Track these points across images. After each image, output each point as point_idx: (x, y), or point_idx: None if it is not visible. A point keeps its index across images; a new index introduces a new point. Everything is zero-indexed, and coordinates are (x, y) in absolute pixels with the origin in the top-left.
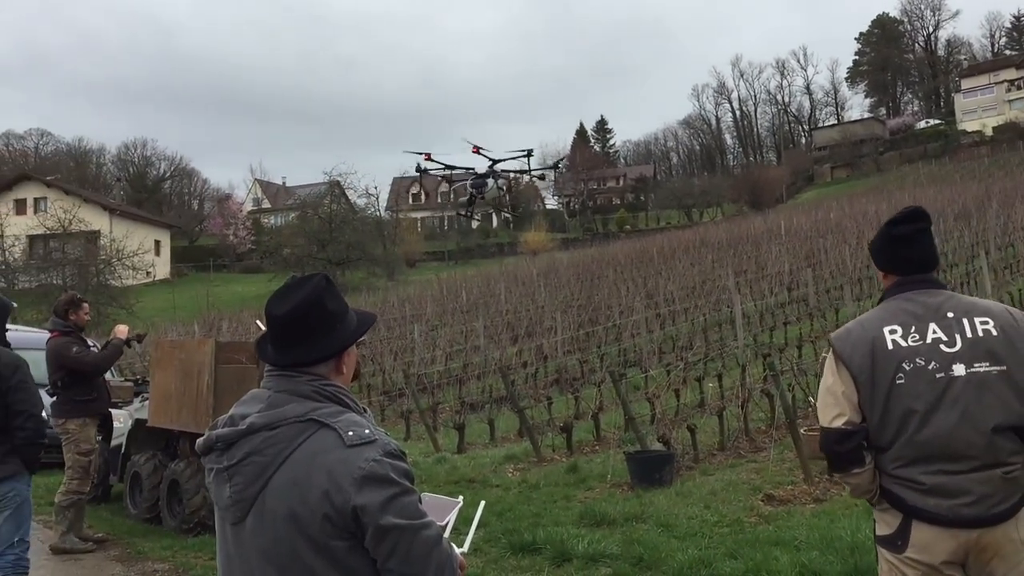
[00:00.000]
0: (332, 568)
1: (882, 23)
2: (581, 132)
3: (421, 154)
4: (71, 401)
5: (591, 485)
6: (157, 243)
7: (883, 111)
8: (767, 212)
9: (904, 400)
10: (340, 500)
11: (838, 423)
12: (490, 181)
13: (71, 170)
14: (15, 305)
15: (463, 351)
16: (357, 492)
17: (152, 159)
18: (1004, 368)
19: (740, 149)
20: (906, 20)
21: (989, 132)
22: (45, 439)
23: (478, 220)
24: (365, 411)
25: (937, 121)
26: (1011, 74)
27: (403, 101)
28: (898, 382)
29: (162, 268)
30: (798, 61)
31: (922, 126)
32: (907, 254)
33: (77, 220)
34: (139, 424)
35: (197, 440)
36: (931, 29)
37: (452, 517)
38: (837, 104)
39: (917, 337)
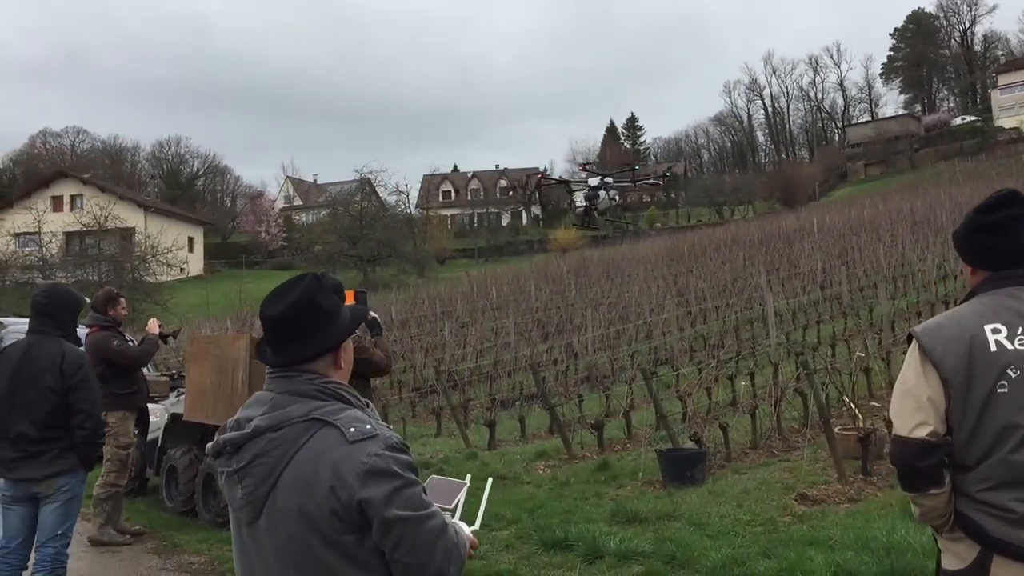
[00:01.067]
0: (344, 561)
1: (917, 18)
2: (611, 130)
3: (536, 175)
4: (111, 395)
5: (622, 483)
6: (191, 240)
7: (918, 108)
8: (799, 210)
9: (1005, 412)
10: (346, 495)
11: (921, 433)
12: (602, 193)
13: (106, 168)
14: (87, 300)
15: (493, 348)
16: (361, 486)
17: (186, 157)
18: None
19: (772, 146)
20: (942, 15)
21: None
22: (103, 439)
23: (596, 230)
24: (368, 405)
25: (974, 118)
26: None
27: (435, 100)
28: (999, 391)
29: (195, 265)
30: (831, 57)
31: (958, 123)
32: (998, 244)
33: (112, 217)
34: (175, 418)
35: (207, 444)
36: (967, 24)
37: (461, 498)
38: (871, 101)
39: None
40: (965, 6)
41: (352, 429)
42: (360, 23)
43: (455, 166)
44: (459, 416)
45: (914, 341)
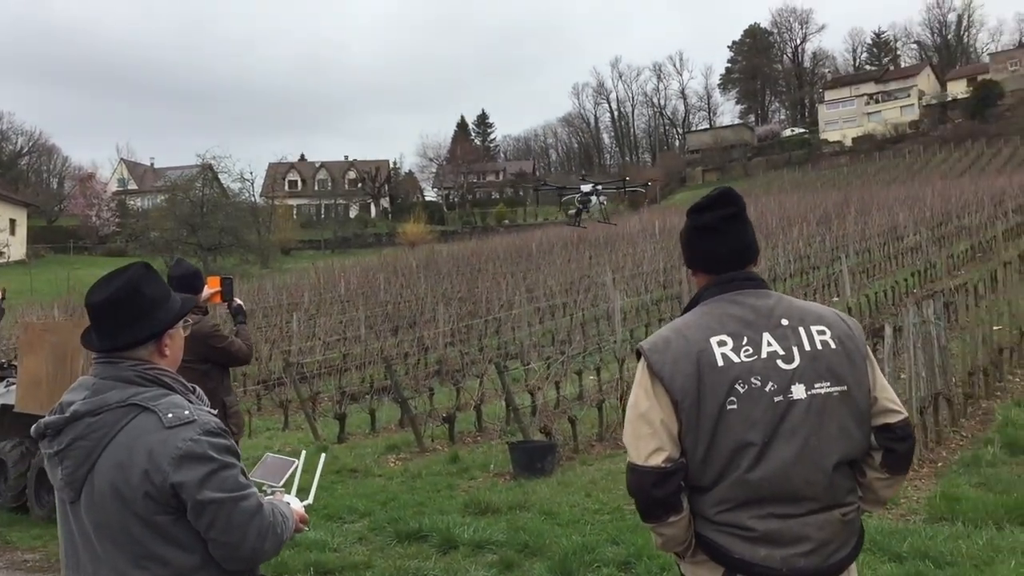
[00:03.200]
0: (159, 539)
1: (753, 33)
2: (462, 125)
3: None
4: None
5: (474, 475)
6: (12, 222)
7: (752, 118)
8: (642, 211)
9: (737, 430)
10: (159, 479)
11: (656, 460)
12: (594, 198)
13: None
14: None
15: (342, 341)
16: (175, 470)
17: (8, 133)
18: (845, 388)
19: (617, 149)
20: (776, 31)
21: (849, 143)
22: None
23: (585, 228)
24: (194, 391)
25: (802, 130)
26: (870, 88)
27: (286, 86)
28: (729, 408)
29: (17, 249)
30: (674, 66)
31: (788, 134)
32: (716, 247)
33: None
34: (4, 410)
35: (31, 426)
36: (799, 41)
37: (292, 475)
38: (710, 109)
39: (751, 351)
40: (797, 24)
41: (170, 415)
42: (209, 1)
43: (302, 155)
44: (308, 409)
45: (642, 359)
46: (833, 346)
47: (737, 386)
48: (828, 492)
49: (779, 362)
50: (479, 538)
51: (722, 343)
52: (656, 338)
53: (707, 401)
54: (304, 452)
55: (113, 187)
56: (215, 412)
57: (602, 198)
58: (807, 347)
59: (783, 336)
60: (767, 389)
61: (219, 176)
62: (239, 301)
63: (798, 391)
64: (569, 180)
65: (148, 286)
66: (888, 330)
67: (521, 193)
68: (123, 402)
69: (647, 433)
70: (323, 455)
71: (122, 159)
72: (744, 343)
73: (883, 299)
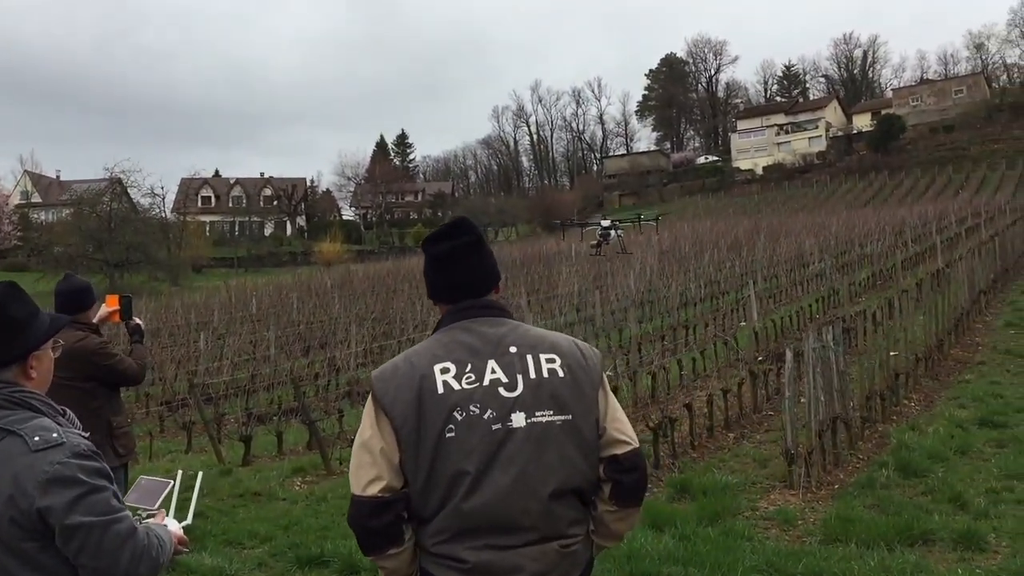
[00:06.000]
0: (26, 567)
1: (670, 62)
2: (381, 144)
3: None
4: None
5: None
6: None
7: (668, 145)
8: (559, 234)
9: (453, 459)
10: (25, 504)
11: (373, 490)
12: (612, 233)
13: None
14: None
15: (252, 361)
16: (42, 495)
17: None
18: (569, 417)
19: (536, 172)
20: (691, 61)
21: (760, 171)
22: None
23: (597, 254)
24: (64, 413)
25: (715, 158)
26: (780, 119)
27: (206, 100)
28: (448, 435)
29: None
30: (593, 92)
31: (701, 161)
32: (447, 278)
33: None
34: None
35: None
36: (713, 72)
37: (169, 496)
38: (627, 135)
39: (473, 378)
40: (711, 54)
41: (37, 438)
42: (127, 10)
43: (217, 171)
44: (212, 431)
45: (371, 387)
46: (561, 374)
47: (455, 413)
48: (546, 522)
49: (501, 390)
50: None
51: (445, 370)
52: (386, 365)
53: (427, 429)
54: (180, 472)
55: (16, 199)
56: (87, 435)
57: (619, 231)
58: (532, 375)
59: (509, 364)
60: (485, 417)
61: (128, 190)
62: (137, 320)
63: (518, 419)
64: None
65: (13, 306)
66: (789, 355)
67: (440, 214)
68: None
69: (367, 462)
70: (199, 474)
71: (26, 171)
72: (468, 370)
73: (788, 324)
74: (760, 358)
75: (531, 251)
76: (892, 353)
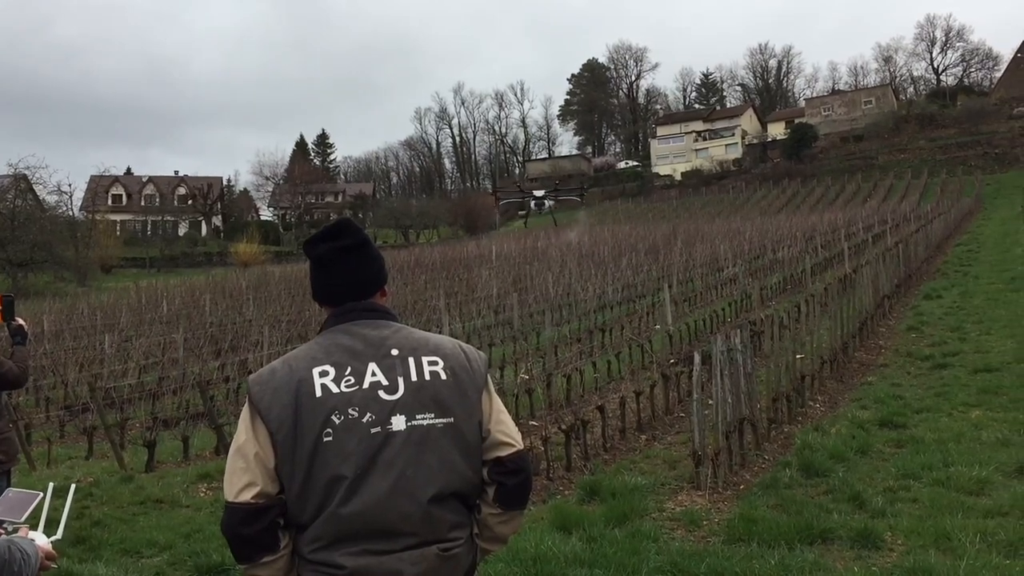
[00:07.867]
0: None
1: (592, 68)
2: (301, 144)
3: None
4: None
5: None
6: None
7: (589, 149)
8: (480, 237)
9: (331, 463)
10: None
11: (246, 496)
12: (546, 203)
13: None
14: None
15: (159, 364)
16: None
17: None
18: (451, 420)
19: (458, 174)
20: (613, 67)
21: (678, 177)
22: None
23: (526, 225)
24: None
25: (635, 163)
26: (699, 126)
27: (120, 97)
28: (325, 439)
29: None
30: (515, 95)
31: (622, 166)
32: (327, 280)
33: None
34: None
35: None
36: (633, 78)
37: (37, 510)
38: (549, 139)
39: (352, 381)
40: (632, 61)
41: None
42: (41, 3)
43: (128, 168)
44: (114, 436)
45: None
46: (443, 377)
47: (333, 417)
48: (426, 526)
49: (381, 392)
50: None
51: (324, 373)
52: (264, 369)
53: (303, 433)
54: (52, 484)
55: None
56: None
57: (550, 202)
58: (413, 377)
59: (390, 367)
60: (364, 420)
61: (34, 187)
62: (20, 321)
63: (398, 422)
64: (409, 205)
65: None
66: (697, 358)
67: (360, 215)
68: None
69: (240, 468)
70: (72, 486)
71: None
72: (347, 373)
73: (702, 327)
74: (673, 361)
75: (451, 254)
76: (799, 356)
